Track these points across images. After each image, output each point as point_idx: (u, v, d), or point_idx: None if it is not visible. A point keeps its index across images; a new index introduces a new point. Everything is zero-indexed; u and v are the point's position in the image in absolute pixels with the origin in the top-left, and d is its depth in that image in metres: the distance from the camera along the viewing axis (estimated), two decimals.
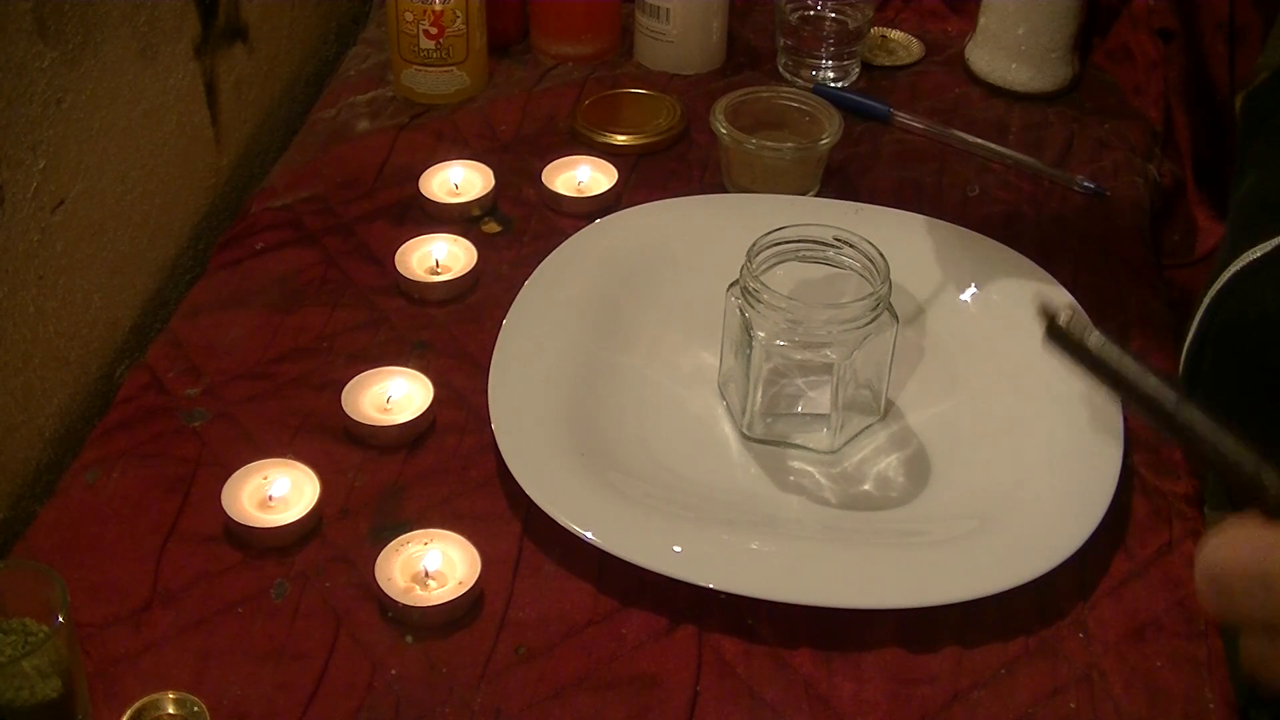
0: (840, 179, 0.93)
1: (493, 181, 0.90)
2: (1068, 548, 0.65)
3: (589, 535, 0.65)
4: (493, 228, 0.88)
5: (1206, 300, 0.64)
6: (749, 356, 0.71)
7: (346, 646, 0.63)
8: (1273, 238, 0.62)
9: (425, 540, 0.66)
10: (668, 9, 1.01)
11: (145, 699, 0.59)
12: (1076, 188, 0.92)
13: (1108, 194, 0.92)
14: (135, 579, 0.66)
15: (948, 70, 1.05)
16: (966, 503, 0.69)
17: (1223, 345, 0.63)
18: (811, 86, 1.02)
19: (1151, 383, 0.51)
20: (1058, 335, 0.54)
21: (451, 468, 0.72)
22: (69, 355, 0.77)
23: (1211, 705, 0.62)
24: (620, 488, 0.69)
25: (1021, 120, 1.00)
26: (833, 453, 0.73)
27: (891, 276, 0.70)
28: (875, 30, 1.08)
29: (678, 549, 0.65)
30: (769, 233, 0.72)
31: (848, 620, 0.64)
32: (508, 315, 0.77)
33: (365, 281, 0.84)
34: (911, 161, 0.95)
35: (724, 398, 0.76)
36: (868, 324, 0.69)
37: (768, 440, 0.73)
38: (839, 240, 0.72)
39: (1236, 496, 0.48)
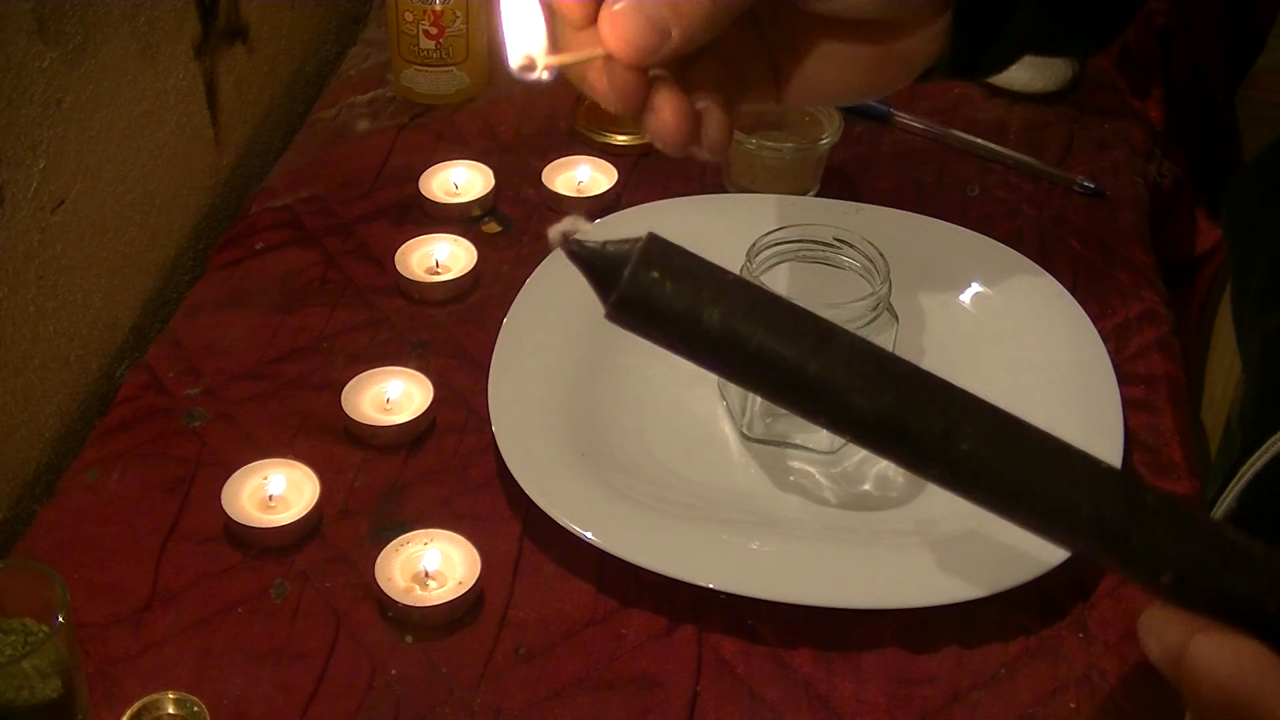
0: (840, 179, 0.93)
1: (493, 181, 0.90)
2: None
3: (589, 535, 0.65)
4: (493, 228, 0.88)
5: (1254, 467, 0.60)
6: None
7: (346, 646, 0.63)
8: None
9: (425, 540, 0.66)
10: None
11: (145, 699, 0.59)
12: (1076, 188, 0.92)
13: (1108, 194, 0.92)
14: (135, 579, 0.66)
15: None
16: (966, 503, 0.69)
17: None
18: None
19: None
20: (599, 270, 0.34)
21: (451, 468, 0.72)
22: (69, 355, 0.77)
23: None
24: (620, 488, 0.69)
25: (1021, 120, 1.00)
26: (833, 453, 0.73)
27: (891, 276, 0.70)
28: None
29: (677, 549, 0.65)
30: (769, 233, 0.72)
31: (848, 620, 0.64)
32: (508, 315, 0.77)
33: (365, 281, 0.84)
34: (911, 161, 0.95)
35: (724, 398, 0.76)
36: (868, 324, 0.69)
37: (768, 440, 0.73)
38: (839, 240, 0.72)
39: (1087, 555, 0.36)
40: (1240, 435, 0.62)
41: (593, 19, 0.47)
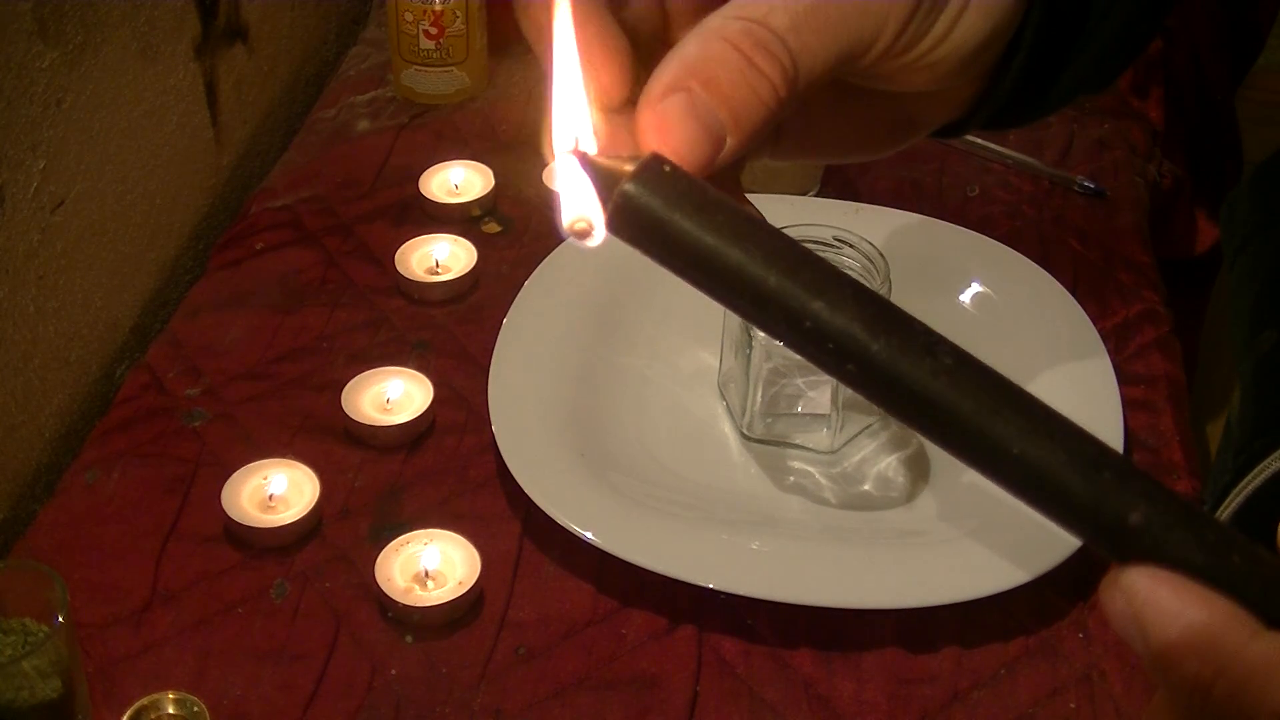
0: (840, 179, 0.93)
1: (493, 181, 0.90)
2: (1068, 548, 0.65)
3: (589, 535, 0.65)
4: (493, 228, 0.88)
5: (1244, 492, 0.59)
6: (749, 356, 0.71)
7: (346, 646, 0.63)
8: None
9: (425, 540, 0.66)
10: None
11: (145, 699, 0.59)
12: (1076, 188, 0.92)
13: (1108, 194, 0.92)
14: (135, 579, 0.66)
15: None
16: (966, 503, 0.69)
17: None
18: None
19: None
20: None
21: (451, 468, 0.72)
22: (69, 355, 0.77)
23: None
24: (620, 488, 0.69)
25: None
26: (833, 453, 0.73)
27: (891, 276, 0.70)
28: None
29: (677, 549, 0.65)
30: None
31: (848, 620, 0.64)
32: (508, 315, 0.77)
33: (365, 281, 0.84)
34: (911, 161, 0.95)
35: (724, 398, 0.76)
36: None
37: (768, 440, 0.73)
38: (839, 240, 0.72)
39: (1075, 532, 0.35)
40: (1231, 459, 0.62)
41: (632, 99, 0.38)
